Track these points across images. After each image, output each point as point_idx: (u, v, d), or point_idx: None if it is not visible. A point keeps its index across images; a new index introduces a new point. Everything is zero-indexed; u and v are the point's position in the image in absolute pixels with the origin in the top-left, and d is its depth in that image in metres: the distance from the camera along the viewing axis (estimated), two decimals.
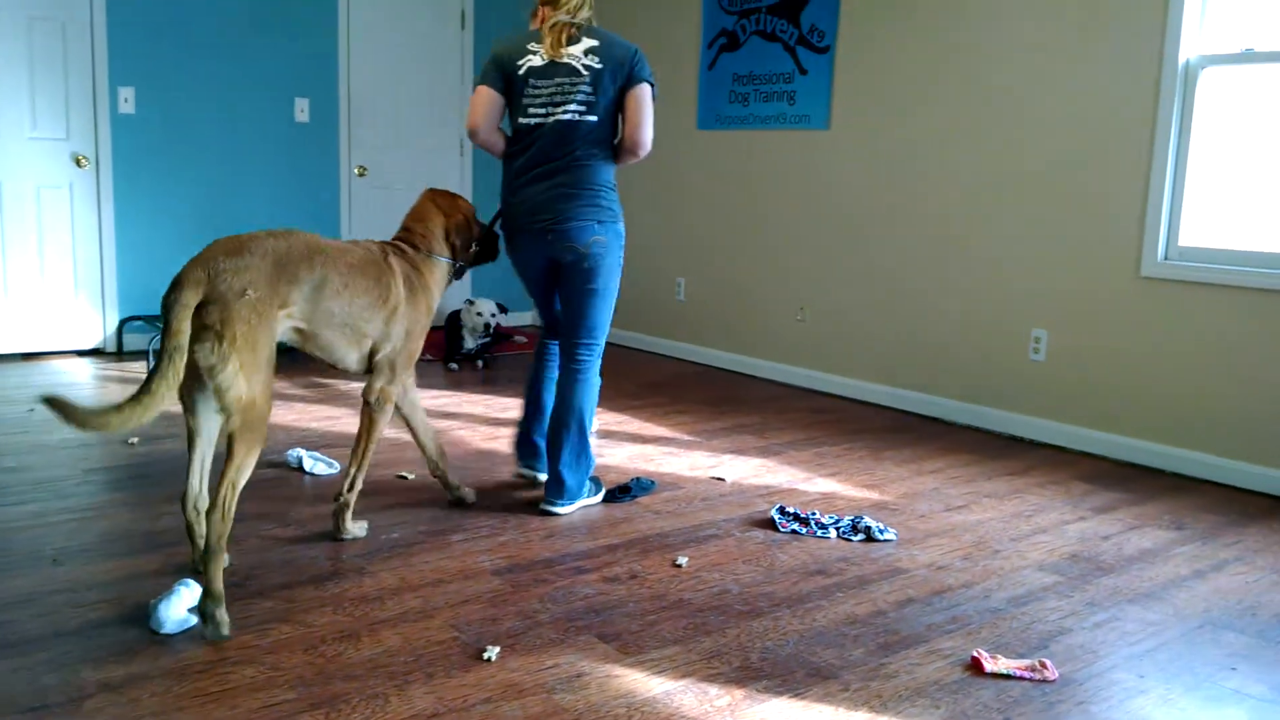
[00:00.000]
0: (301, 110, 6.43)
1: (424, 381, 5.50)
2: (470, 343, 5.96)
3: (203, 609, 2.49)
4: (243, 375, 2.51)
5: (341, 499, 3.16)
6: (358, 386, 5.32)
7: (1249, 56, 4.07)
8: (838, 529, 3.41)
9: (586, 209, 3.31)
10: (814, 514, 3.52)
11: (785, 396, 5.49)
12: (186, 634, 2.50)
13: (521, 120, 3.36)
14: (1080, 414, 4.57)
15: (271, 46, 6.27)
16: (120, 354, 5.94)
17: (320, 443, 4.22)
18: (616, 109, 3.35)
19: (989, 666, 2.48)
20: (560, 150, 3.31)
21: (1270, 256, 4.03)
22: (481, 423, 4.68)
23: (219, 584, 2.48)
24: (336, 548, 3.10)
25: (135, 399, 2.34)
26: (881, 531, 3.38)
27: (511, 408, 4.96)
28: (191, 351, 2.45)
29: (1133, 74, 4.31)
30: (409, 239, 3.20)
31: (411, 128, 6.92)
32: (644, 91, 3.33)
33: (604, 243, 3.34)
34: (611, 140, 3.39)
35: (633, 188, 6.74)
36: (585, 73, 3.27)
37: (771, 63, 5.84)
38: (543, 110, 3.31)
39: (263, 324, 2.57)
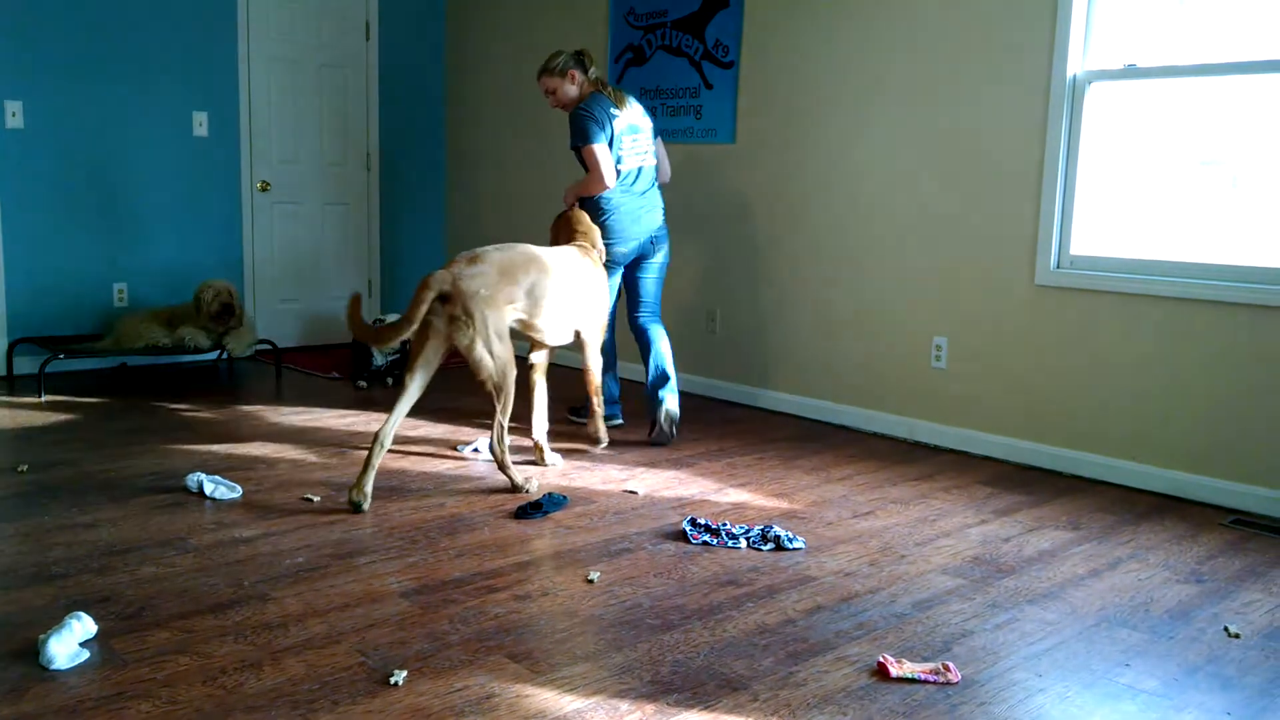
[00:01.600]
0: (200, 124, 6.27)
1: (329, 400, 5.41)
2: (380, 359, 5.87)
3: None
4: (486, 349, 3.65)
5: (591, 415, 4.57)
6: (261, 407, 5.20)
7: (1132, 72, 4.24)
8: (748, 539, 3.44)
9: (662, 216, 4.81)
10: (725, 524, 3.54)
11: (697, 408, 5.53)
12: (77, 670, 2.41)
13: (620, 165, 4.62)
14: (981, 419, 4.70)
15: (168, 59, 6.10)
16: (10, 378, 5.70)
17: (222, 466, 4.11)
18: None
19: (894, 671, 2.53)
20: (647, 183, 4.72)
21: (1157, 264, 4.20)
22: (392, 441, 4.60)
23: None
24: (237, 573, 3.02)
25: (395, 326, 3.62)
26: (791, 540, 3.43)
27: (422, 425, 4.90)
28: (442, 333, 3.64)
29: (1023, 88, 4.46)
30: (586, 242, 4.31)
31: (316, 142, 6.80)
32: (661, 142, 4.96)
33: (666, 239, 4.85)
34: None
35: (542, 203, 6.73)
36: (645, 129, 4.73)
37: (678, 77, 5.90)
38: (638, 156, 4.68)
39: (494, 313, 3.67)
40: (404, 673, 2.43)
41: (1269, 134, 3.96)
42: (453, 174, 7.44)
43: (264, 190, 6.59)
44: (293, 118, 6.64)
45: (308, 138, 6.75)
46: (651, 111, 6.03)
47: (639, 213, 4.63)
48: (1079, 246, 4.41)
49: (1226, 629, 2.87)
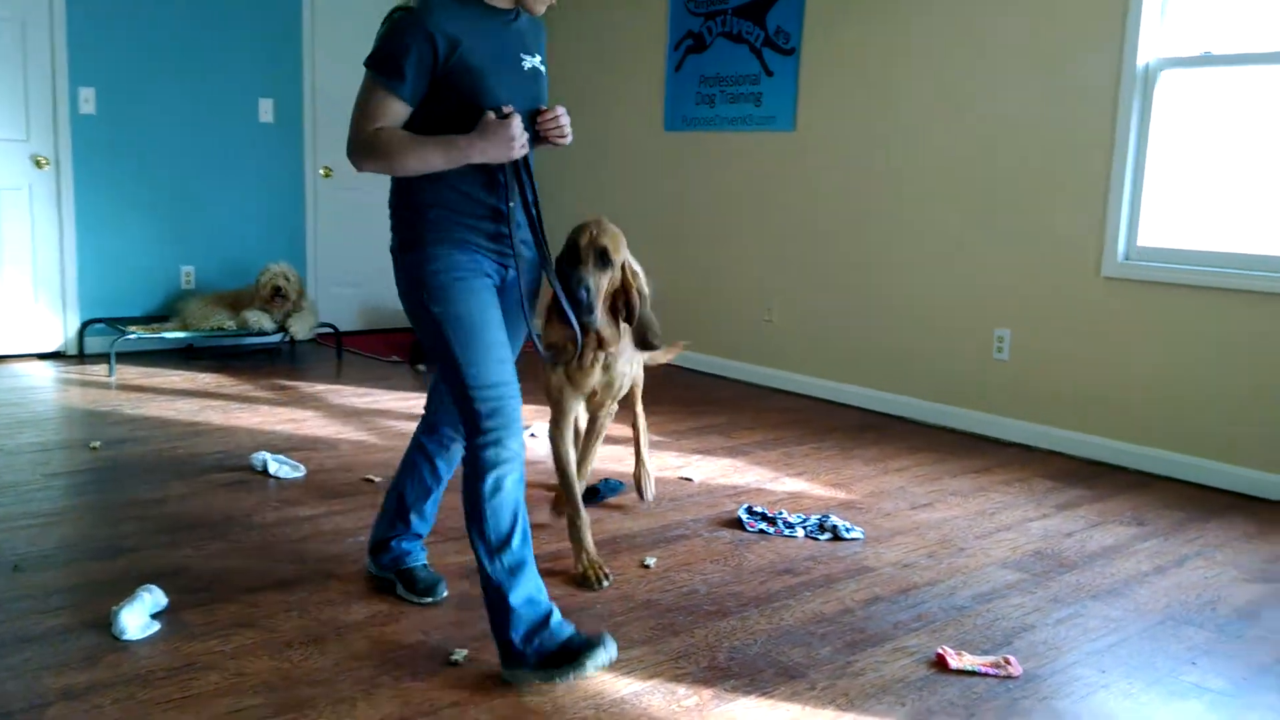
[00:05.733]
0: (265, 111, 6.38)
1: (389, 383, 5.48)
2: None
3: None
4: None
5: None
6: (323, 389, 5.28)
7: (1207, 59, 4.13)
8: (805, 528, 3.43)
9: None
10: (781, 513, 3.53)
11: (753, 397, 5.51)
12: (149, 640, 2.47)
13: None
14: (1043, 412, 4.63)
15: (234, 46, 6.21)
16: (82, 357, 5.86)
17: (285, 446, 4.18)
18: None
19: (954, 663, 2.51)
20: None
21: (1226, 256, 4.09)
22: None
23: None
24: (302, 552, 3.08)
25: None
26: (848, 530, 3.41)
27: None
28: None
29: (1093, 76, 4.36)
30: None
31: None
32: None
33: (396, 278, 2.50)
34: None
35: (601, 191, 6.75)
36: None
37: (738, 64, 5.86)
38: None
39: None
40: (464, 651, 2.46)
41: None
42: None
43: (327, 176, 6.68)
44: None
45: None
46: (710, 100, 6.05)
47: None
48: (1147, 238, 4.31)
49: None
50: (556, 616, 2.36)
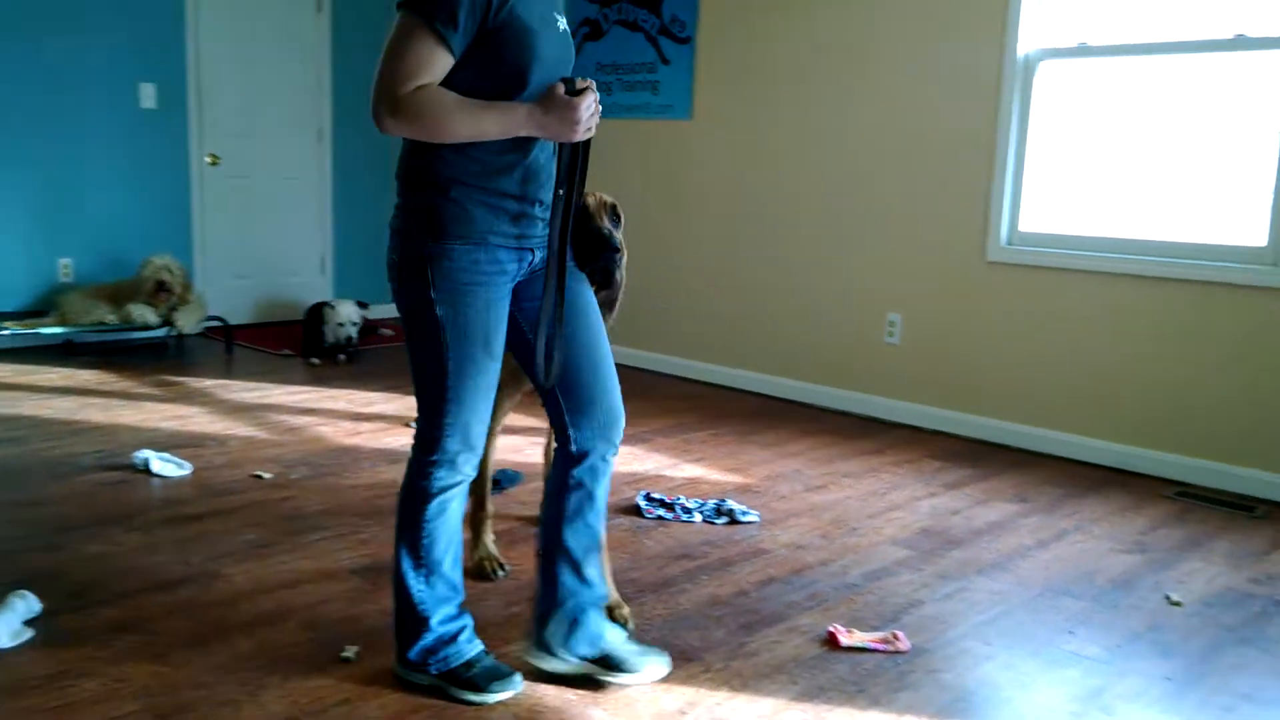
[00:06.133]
0: (147, 96, 6.13)
1: (281, 377, 5.34)
2: (332, 336, 5.81)
3: None
4: None
5: None
6: (211, 384, 5.13)
7: (1082, 50, 4.28)
8: (702, 513, 3.46)
9: (394, 209, 2.19)
10: (679, 499, 3.56)
11: (653, 384, 5.53)
12: (21, 648, 2.37)
13: None
14: (933, 394, 4.75)
15: (111, 27, 5.95)
16: None
17: (170, 443, 4.04)
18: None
19: (845, 641, 2.56)
20: None
21: (1103, 241, 4.25)
22: (343, 418, 4.57)
23: None
24: (185, 551, 2.99)
25: None
26: (745, 514, 3.45)
27: (376, 401, 4.86)
28: None
29: (977, 66, 4.48)
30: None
31: (267, 115, 6.68)
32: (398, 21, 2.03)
33: (393, 264, 2.16)
34: None
35: None
36: None
37: (634, 52, 5.86)
38: None
39: None
40: (355, 648, 2.41)
41: (1212, 112, 4.02)
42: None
43: (214, 164, 6.47)
44: (243, 89, 6.52)
45: (259, 110, 6.63)
46: (607, 88, 6.03)
47: None
48: (1029, 224, 4.46)
49: (1168, 597, 2.93)
50: (468, 633, 2.27)
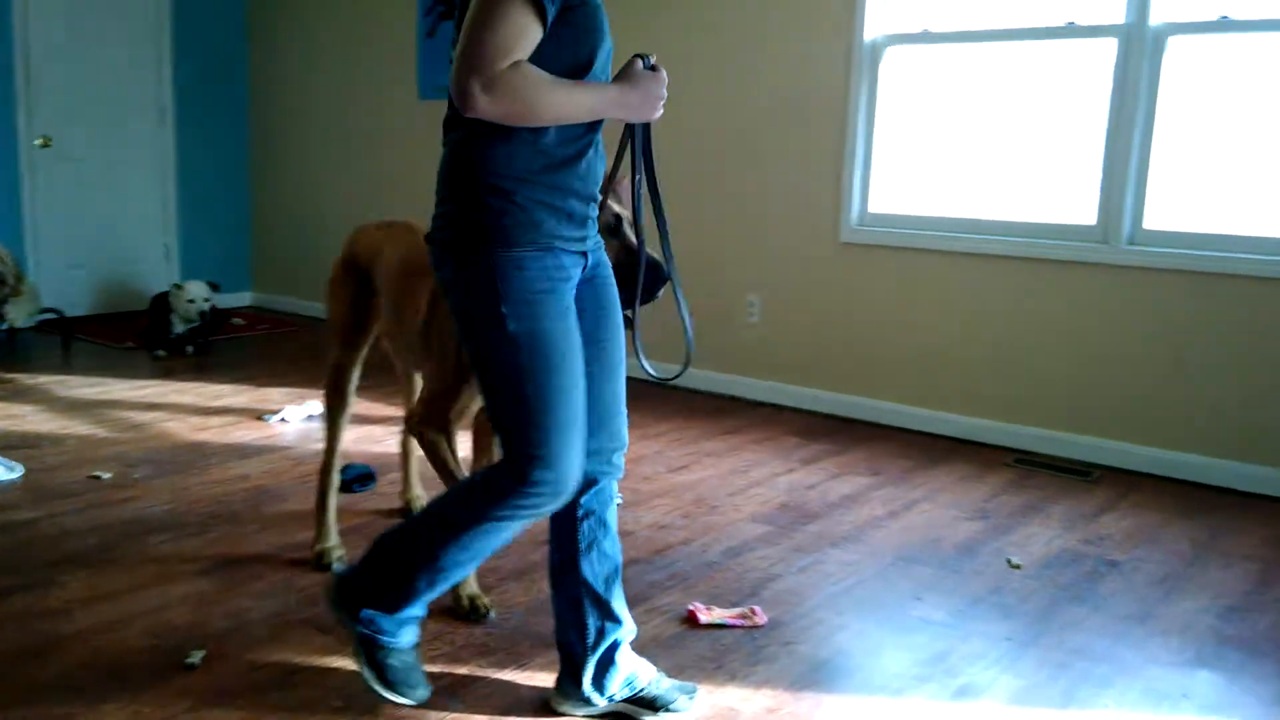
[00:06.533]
0: None
1: (123, 371, 5.09)
2: (179, 327, 5.55)
3: None
4: None
5: None
6: (47, 380, 4.85)
7: (926, 37, 4.42)
8: None
9: (436, 217, 2.02)
10: None
11: None
12: None
13: None
14: (791, 372, 4.86)
15: None
16: None
17: (1, 444, 3.81)
18: None
19: (704, 618, 2.60)
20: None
21: (947, 221, 4.42)
22: (191, 413, 4.39)
23: None
24: (18, 559, 2.82)
25: None
26: None
27: (226, 395, 4.68)
28: None
29: (826, 52, 4.58)
30: None
31: (103, 94, 6.32)
32: None
33: (447, 280, 1.99)
34: None
35: (350, 164, 6.51)
36: None
37: None
38: None
39: None
40: (202, 653, 2.33)
41: (1047, 97, 4.22)
42: (256, 123, 7.06)
43: (45, 146, 6.10)
44: (76, 67, 6.15)
45: (94, 89, 6.26)
46: None
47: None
48: (878, 205, 4.59)
49: (1009, 561, 3.08)
50: (414, 629, 2.11)
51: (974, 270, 4.32)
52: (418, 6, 6.07)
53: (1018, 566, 3.04)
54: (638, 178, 2.03)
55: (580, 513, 2.12)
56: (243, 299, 7.10)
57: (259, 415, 4.36)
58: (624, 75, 1.93)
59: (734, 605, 2.70)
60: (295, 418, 4.30)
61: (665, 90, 1.97)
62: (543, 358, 1.89)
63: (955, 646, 2.54)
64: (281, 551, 2.94)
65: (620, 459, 2.18)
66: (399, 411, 4.43)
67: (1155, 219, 3.96)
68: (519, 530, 2.03)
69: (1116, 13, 3.95)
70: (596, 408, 2.07)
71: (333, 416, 2.92)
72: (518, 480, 1.92)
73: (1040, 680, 2.40)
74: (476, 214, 1.89)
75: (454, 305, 1.96)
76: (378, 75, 6.31)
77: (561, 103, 1.82)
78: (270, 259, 7.10)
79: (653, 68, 1.96)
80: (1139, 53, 3.89)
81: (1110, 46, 3.98)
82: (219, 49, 6.87)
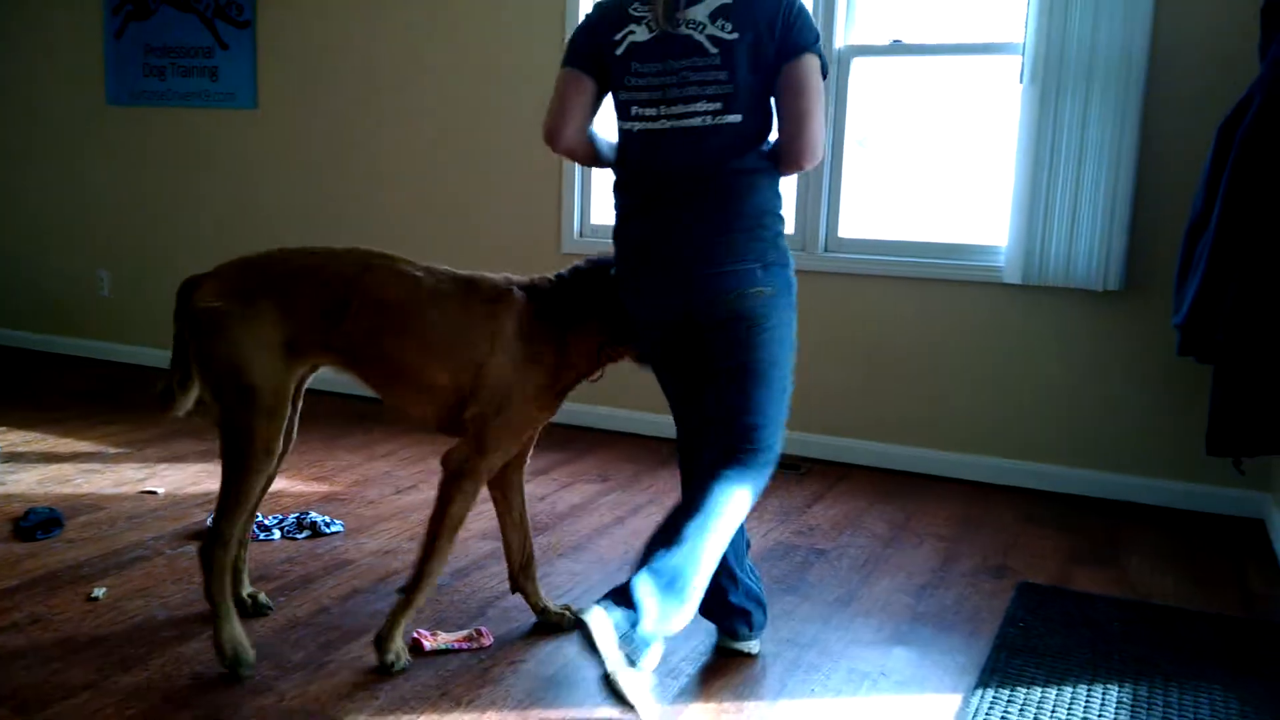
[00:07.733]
0: None
1: None
2: None
3: None
4: None
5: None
6: None
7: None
8: (282, 529, 3.29)
9: (740, 247, 2.23)
10: (258, 516, 3.35)
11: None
12: None
13: (624, 124, 2.35)
14: None
15: None
16: None
17: None
18: (768, 95, 2.27)
19: (429, 645, 2.54)
20: (691, 166, 2.25)
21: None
22: None
23: None
24: None
25: None
26: (329, 525, 3.32)
27: None
28: None
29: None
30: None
31: None
32: (807, 68, 2.20)
33: (768, 297, 2.26)
34: (764, 140, 2.32)
35: (30, 174, 5.93)
36: (714, 49, 2.21)
37: (188, 35, 5.42)
38: (653, 110, 2.27)
39: None
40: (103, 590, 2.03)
41: (960, 116, 4.19)
42: None
43: None
44: None
45: None
46: (160, 72, 5.52)
47: (657, 230, 2.32)
48: (591, 225, 4.68)
49: None
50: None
51: None
52: (103, 3, 5.60)
53: None
54: None
55: (699, 493, 2.37)
56: None
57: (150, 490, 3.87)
58: None
59: (460, 628, 2.65)
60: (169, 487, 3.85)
61: None
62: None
63: (677, 648, 2.62)
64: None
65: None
66: (94, 448, 4.08)
67: (848, 228, 4.27)
68: None
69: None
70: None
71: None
72: (771, 465, 2.40)
73: (756, 673, 2.51)
74: (775, 239, 2.30)
75: (772, 317, 2.28)
76: (60, 79, 5.77)
77: None
78: None
79: None
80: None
81: None
82: None
